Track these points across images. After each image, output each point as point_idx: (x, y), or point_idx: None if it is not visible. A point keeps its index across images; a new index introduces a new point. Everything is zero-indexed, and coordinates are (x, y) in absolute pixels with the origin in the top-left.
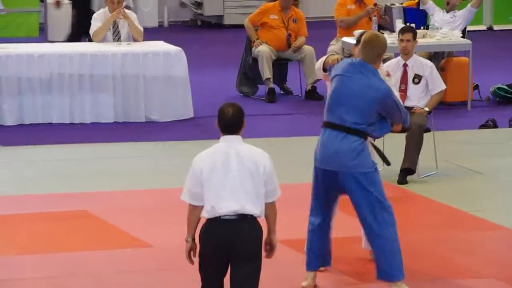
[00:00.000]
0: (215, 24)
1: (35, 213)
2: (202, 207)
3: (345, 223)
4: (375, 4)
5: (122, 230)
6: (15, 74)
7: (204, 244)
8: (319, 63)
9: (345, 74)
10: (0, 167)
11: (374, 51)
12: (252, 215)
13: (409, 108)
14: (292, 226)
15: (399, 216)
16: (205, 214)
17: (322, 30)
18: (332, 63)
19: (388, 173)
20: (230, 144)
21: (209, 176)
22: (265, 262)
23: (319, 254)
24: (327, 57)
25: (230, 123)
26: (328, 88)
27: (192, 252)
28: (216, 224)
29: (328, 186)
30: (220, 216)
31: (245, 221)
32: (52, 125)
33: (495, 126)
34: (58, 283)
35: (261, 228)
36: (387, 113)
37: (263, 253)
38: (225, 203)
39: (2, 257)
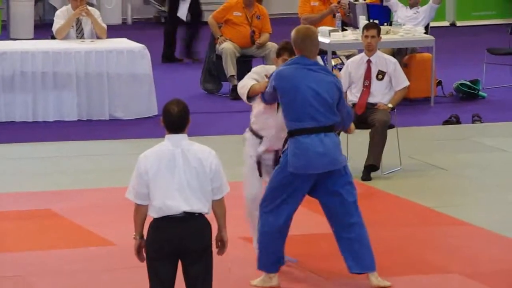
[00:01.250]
0: (180, 21)
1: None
2: (147, 205)
3: (311, 220)
4: (339, 2)
5: (86, 229)
6: None
7: (153, 243)
8: (243, 91)
9: (295, 79)
10: None
11: (313, 44)
12: (200, 213)
13: (373, 105)
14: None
15: (364, 213)
16: (153, 214)
17: (286, 26)
18: (261, 90)
19: (352, 170)
20: (176, 142)
21: (155, 176)
22: (228, 260)
23: (281, 255)
24: (252, 86)
25: (176, 121)
26: (256, 108)
27: (141, 250)
28: (164, 224)
29: (306, 189)
30: (168, 215)
31: (193, 219)
32: (15, 123)
33: (458, 122)
34: (24, 282)
35: (209, 224)
36: (342, 106)
37: (214, 250)
38: (172, 202)
39: None
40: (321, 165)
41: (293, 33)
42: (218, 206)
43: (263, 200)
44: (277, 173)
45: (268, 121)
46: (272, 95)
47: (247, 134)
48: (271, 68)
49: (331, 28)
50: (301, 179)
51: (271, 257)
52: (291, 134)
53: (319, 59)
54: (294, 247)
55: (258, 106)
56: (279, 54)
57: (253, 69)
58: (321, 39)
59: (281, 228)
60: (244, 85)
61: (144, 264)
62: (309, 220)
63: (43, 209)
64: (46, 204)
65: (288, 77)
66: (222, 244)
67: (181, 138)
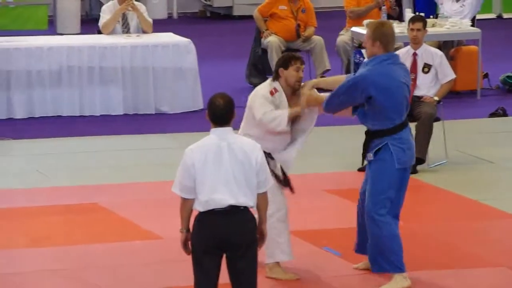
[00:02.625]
0: (225, 15)
1: (46, 206)
2: (193, 199)
3: (354, 213)
4: None
5: (133, 223)
6: (24, 67)
7: (198, 237)
8: (277, 122)
9: (395, 75)
10: (11, 160)
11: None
12: (245, 207)
13: (419, 97)
14: (301, 216)
15: (409, 206)
16: (199, 207)
17: (331, 20)
18: (314, 104)
19: None
20: (222, 136)
21: (201, 170)
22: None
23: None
24: (291, 112)
25: (222, 114)
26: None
27: (187, 243)
28: (210, 217)
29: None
30: (213, 209)
31: (238, 213)
32: (62, 118)
33: (505, 114)
34: (72, 276)
35: (254, 219)
36: None
37: None
38: (218, 196)
39: (16, 250)
40: (413, 156)
41: (374, 28)
42: (262, 199)
43: (375, 206)
44: (380, 178)
45: (275, 142)
46: (348, 103)
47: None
48: (272, 84)
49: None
50: (406, 172)
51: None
52: (391, 132)
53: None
54: (338, 240)
55: (257, 129)
56: (288, 64)
57: (259, 95)
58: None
59: (397, 228)
60: (276, 117)
61: (190, 257)
62: (351, 213)
63: (89, 203)
64: (93, 198)
65: (389, 75)
66: (261, 237)
67: (227, 131)
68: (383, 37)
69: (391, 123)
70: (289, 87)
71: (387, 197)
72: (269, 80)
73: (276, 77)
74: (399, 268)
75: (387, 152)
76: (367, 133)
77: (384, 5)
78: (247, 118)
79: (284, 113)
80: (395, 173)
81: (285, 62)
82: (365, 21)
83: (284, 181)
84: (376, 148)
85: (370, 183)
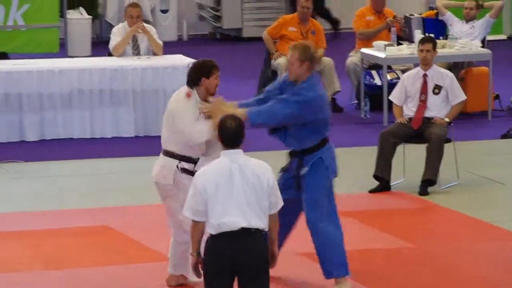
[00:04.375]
0: (234, 37)
1: (57, 229)
2: (204, 222)
3: (364, 235)
4: (395, 16)
5: (144, 245)
6: (36, 90)
7: (210, 260)
8: (204, 136)
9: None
10: (22, 182)
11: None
12: (257, 229)
13: (429, 119)
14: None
15: (420, 227)
16: (211, 230)
17: (341, 41)
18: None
19: (409, 184)
20: (233, 158)
21: (213, 193)
22: (283, 272)
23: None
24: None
25: (233, 136)
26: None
27: (198, 266)
28: (221, 240)
29: None
30: (225, 232)
31: (250, 235)
32: (73, 140)
33: None
34: None
35: (266, 241)
36: None
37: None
38: (230, 218)
39: (28, 273)
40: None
41: (303, 50)
42: (272, 220)
43: (315, 212)
44: (321, 185)
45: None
46: (291, 121)
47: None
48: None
49: (386, 42)
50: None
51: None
52: (323, 143)
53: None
54: (349, 262)
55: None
56: (210, 73)
57: (181, 103)
58: (376, 53)
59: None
60: (201, 130)
61: (201, 280)
62: (362, 235)
63: (100, 225)
64: (104, 220)
65: (324, 93)
66: (272, 258)
67: (238, 153)
68: (312, 59)
69: (322, 136)
70: (209, 95)
71: (324, 205)
72: (185, 88)
73: (196, 84)
74: (345, 271)
75: (322, 164)
76: (294, 152)
77: (393, 27)
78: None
79: (206, 125)
80: (330, 183)
81: (207, 71)
82: (375, 43)
83: None
84: (311, 162)
85: (308, 194)
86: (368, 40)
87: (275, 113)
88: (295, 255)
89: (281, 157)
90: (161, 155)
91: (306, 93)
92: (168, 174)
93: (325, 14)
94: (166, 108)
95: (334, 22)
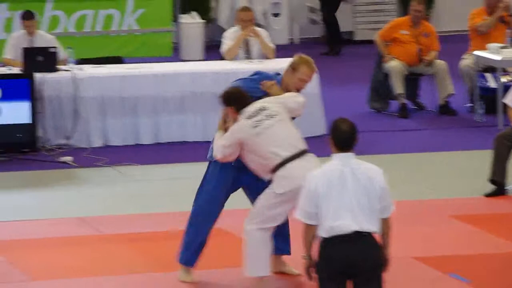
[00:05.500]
0: (346, 40)
1: (171, 231)
2: (316, 225)
3: (483, 240)
4: (510, 15)
5: None
6: (150, 93)
7: (323, 263)
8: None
9: None
10: (138, 185)
11: None
12: (369, 232)
13: None
14: (427, 243)
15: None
16: (323, 233)
17: (455, 44)
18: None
19: None
20: (345, 161)
21: (325, 196)
22: (399, 278)
23: None
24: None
25: (346, 139)
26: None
27: (309, 269)
28: (333, 243)
29: None
30: (337, 235)
31: (363, 239)
32: (187, 143)
33: None
34: None
35: (379, 245)
36: None
37: None
38: (342, 222)
39: (142, 274)
40: None
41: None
42: (385, 224)
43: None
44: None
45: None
46: None
47: None
48: None
49: (501, 44)
50: None
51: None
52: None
53: None
54: (466, 267)
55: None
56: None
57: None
58: (491, 56)
59: None
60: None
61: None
62: (478, 239)
63: (216, 227)
64: (219, 222)
65: None
66: (386, 262)
67: (350, 157)
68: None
69: None
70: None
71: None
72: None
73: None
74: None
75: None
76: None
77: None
78: None
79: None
80: None
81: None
82: (489, 45)
83: None
84: None
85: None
86: (487, 34)
87: None
88: (405, 259)
89: None
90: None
91: None
92: None
93: None
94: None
95: None
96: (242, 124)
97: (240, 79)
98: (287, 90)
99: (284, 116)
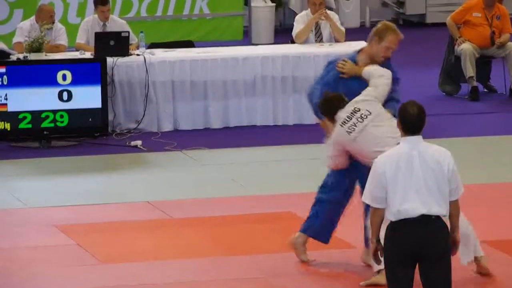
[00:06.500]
0: (417, 23)
1: (240, 215)
2: (383, 209)
3: None
4: None
5: None
6: (220, 77)
7: (391, 247)
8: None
9: None
10: (207, 169)
11: None
12: (437, 216)
13: None
14: (499, 227)
15: None
16: (391, 217)
17: None
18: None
19: None
20: (413, 144)
21: (393, 179)
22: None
23: None
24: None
25: (414, 123)
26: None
27: (378, 253)
28: (401, 227)
29: None
30: (405, 219)
31: (432, 222)
32: (256, 127)
33: None
34: (266, 284)
35: (447, 227)
36: None
37: None
38: (410, 205)
39: (210, 258)
40: None
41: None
42: (454, 207)
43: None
44: None
45: None
46: None
47: None
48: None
49: None
50: None
51: None
52: None
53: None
54: None
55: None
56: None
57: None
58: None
59: None
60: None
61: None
62: None
63: (284, 211)
64: (288, 206)
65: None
66: (454, 245)
67: (418, 140)
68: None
69: None
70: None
71: None
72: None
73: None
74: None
75: None
76: None
77: None
78: None
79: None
80: None
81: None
82: None
83: None
84: None
85: None
86: None
87: None
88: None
89: None
90: None
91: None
92: None
93: None
94: None
95: None
96: (338, 132)
97: (316, 82)
98: (373, 60)
99: (376, 111)
